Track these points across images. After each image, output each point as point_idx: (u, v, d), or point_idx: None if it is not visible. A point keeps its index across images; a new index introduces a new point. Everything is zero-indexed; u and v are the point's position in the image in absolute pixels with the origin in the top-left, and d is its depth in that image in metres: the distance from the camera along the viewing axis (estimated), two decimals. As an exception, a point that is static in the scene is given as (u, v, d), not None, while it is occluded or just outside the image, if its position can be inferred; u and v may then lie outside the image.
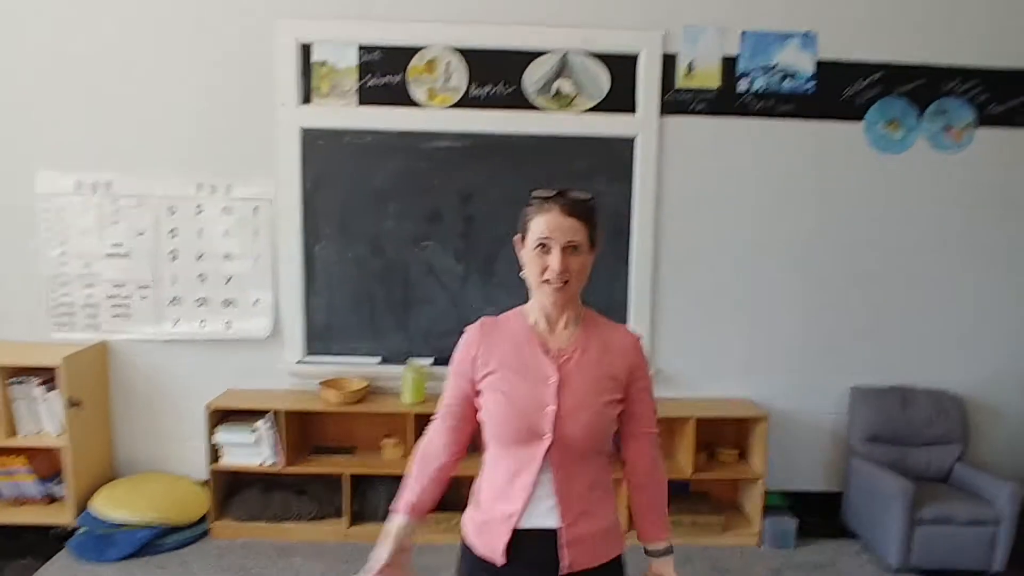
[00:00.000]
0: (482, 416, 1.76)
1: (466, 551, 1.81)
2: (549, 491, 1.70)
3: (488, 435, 1.77)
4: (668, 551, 1.83)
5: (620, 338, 1.79)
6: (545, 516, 1.70)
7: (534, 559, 1.71)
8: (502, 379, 1.72)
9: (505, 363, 1.74)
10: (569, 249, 1.67)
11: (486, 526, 1.75)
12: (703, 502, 3.75)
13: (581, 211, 1.69)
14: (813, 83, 3.68)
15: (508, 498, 1.72)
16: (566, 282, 1.67)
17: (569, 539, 1.69)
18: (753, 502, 3.69)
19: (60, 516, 3.50)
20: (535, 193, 1.72)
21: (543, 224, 1.67)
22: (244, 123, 3.66)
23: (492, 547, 1.72)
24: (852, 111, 3.71)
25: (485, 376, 1.74)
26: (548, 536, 1.70)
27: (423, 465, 1.82)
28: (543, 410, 1.68)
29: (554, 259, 1.66)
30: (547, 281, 1.68)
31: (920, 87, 3.70)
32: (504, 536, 1.70)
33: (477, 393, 1.76)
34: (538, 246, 1.68)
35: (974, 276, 3.84)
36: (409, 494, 1.80)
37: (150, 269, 3.74)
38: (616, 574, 1.80)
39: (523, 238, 1.74)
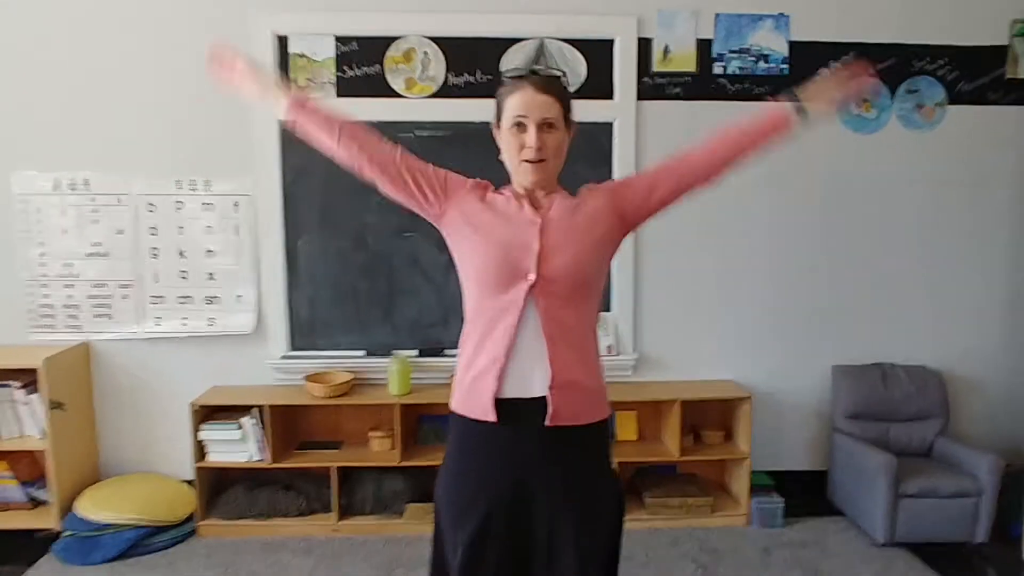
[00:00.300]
0: (459, 261, 1.79)
1: (455, 419, 1.82)
2: (536, 336, 1.69)
3: (468, 283, 1.78)
4: (799, 101, 1.83)
5: (590, 189, 1.84)
6: (530, 376, 1.70)
7: (522, 419, 1.71)
8: (484, 221, 1.75)
9: (490, 209, 1.77)
10: (545, 126, 1.70)
11: (473, 385, 1.75)
12: (691, 484, 3.78)
13: (554, 88, 1.72)
14: (787, 65, 3.72)
15: (492, 343, 1.71)
16: (543, 160, 1.71)
17: (555, 385, 1.69)
18: (740, 483, 3.72)
19: (45, 520, 3.46)
20: (507, 72, 1.76)
21: (517, 102, 1.70)
22: (222, 118, 3.63)
23: (482, 407, 1.73)
24: (826, 92, 3.75)
25: (462, 213, 1.77)
26: (534, 404, 1.71)
27: (348, 122, 1.83)
28: (526, 248, 1.71)
29: (530, 136, 1.69)
30: (526, 160, 1.71)
31: (892, 66, 3.75)
32: (491, 388, 1.70)
33: (434, 197, 1.79)
34: (514, 125, 1.71)
35: (948, 252, 3.90)
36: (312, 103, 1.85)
37: (131, 268, 3.71)
38: (602, 437, 1.83)
39: (498, 122, 1.78)
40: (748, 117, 1.83)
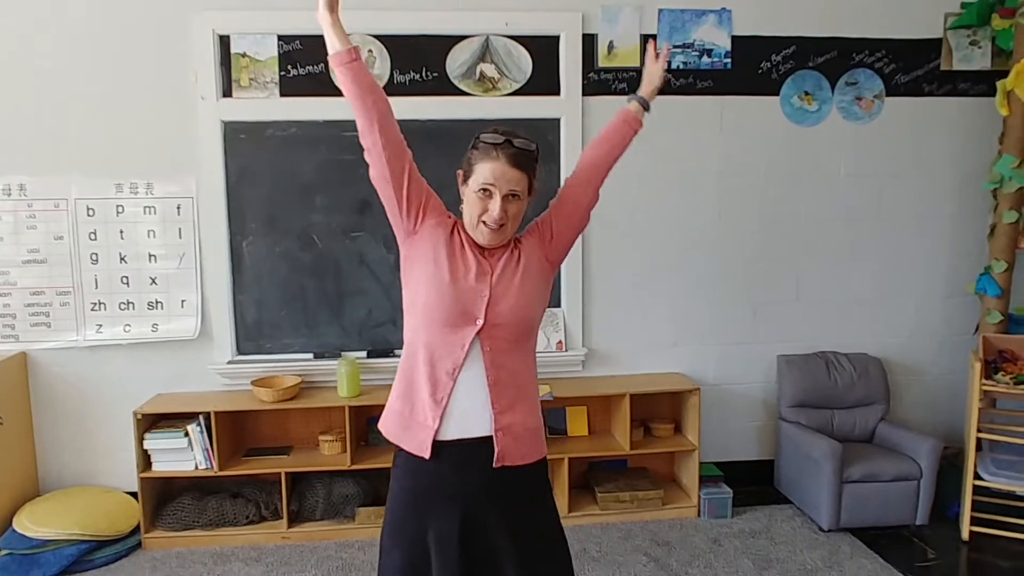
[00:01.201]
0: (412, 287, 1.82)
1: (397, 450, 1.85)
2: (479, 379, 1.76)
3: (415, 313, 1.81)
4: (642, 99, 2.08)
5: (524, 238, 1.92)
6: (470, 421, 1.76)
7: (465, 458, 1.77)
8: (444, 259, 1.79)
9: (450, 249, 1.81)
10: (510, 197, 1.76)
11: (412, 422, 1.80)
12: (642, 477, 3.81)
13: (525, 163, 1.78)
14: (729, 59, 3.76)
15: (434, 385, 1.76)
16: (502, 226, 1.77)
17: (500, 426, 1.76)
18: (690, 474, 3.77)
19: (-18, 536, 3.36)
20: (483, 137, 1.77)
21: (488, 171, 1.74)
22: (163, 119, 3.56)
23: (419, 445, 1.78)
24: (768, 85, 3.81)
25: (429, 238, 1.81)
26: (475, 445, 1.77)
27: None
28: (477, 294, 1.77)
29: (495, 206, 1.74)
30: (484, 223, 1.76)
31: (831, 60, 3.82)
32: (431, 429, 1.75)
33: (415, 214, 1.82)
34: (481, 190, 1.75)
35: (888, 241, 3.99)
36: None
37: (70, 274, 3.61)
38: (542, 475, 1.91)
39: (464, 176, 1.82)
40: (605, 127, 2.02)
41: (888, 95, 3.87)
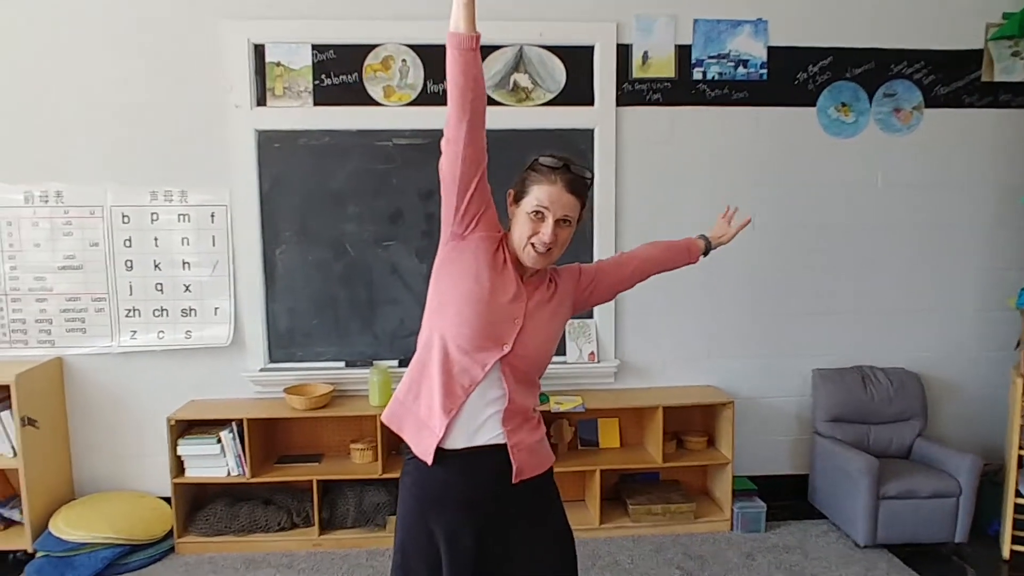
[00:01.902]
0: (444, 294, 1.80)
1: (405, 448, 1.86)
2: (491, 398, 1.77)
3: (442, 323, 1.78)
4: (707, 239, 2.32)
5: (561, 273, 1.95)
6: (479, 432, 1.78)
7: (473, 466, 1.79)
8: (487, 275, 1.78)
9: (495, 266, 1.80)
10: (561, 222, 1.76)
11: (419, 426, 1.81)
12: (674, 490, 3.78)
13: (582, 190, 1.79)
14: (765, 70, 3.72)
15: (445, 395, 1.75)
16: (549, 250, 1.76)
17: (512, 443, 1.79)
18: (723, 488, 3.73)
19: (18, 540, 3.39)
20: (543, 160, 1.78)
21: (544, 194, 1.74)
22: (197, 127, 3.59)
23: (424, 451, 1.78)
24: (804, 96, 3.77)
25: (476, 250, 1.80)
26: (487, 453, 1.78)
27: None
28: (511, 320, 1.77)
29: (547, 230, 1.74)
30: (533, 245, 1.76)
31: (869, 71, 3.78)
32: (433, 440, 1.76)
33: (469, 221, 1.80)
34: (534, 212, 1.75)
35: (925, 253, 3.93)
36: None
37: (105, 281, 3.64)
38: (551, 484, 1.94)
39: (516, 197, 1.82)
40: (667, 243, 2.20)
41: (927, 107, 3.82)
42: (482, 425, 1.78)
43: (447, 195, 1.81)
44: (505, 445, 1.78)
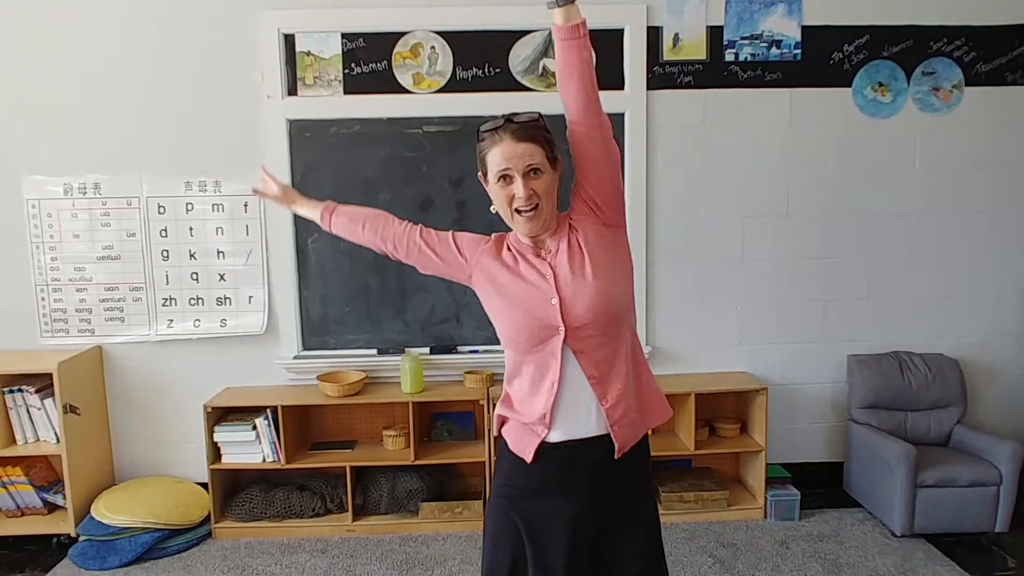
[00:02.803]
0: (491, 318, 1.81)
1: (507, 451, 1.86)
2: (580, 381, 1.73)
3: (502, 339, 1.80)
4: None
5: (572, 219, 1.80)
6: (579, 419, 1.74)
7: (570, 458, 1.76)
8: (505, 284, 1.77)
9: (507, 270, 1.79)
10: (530, 173, 1.68)
11: (523, 428, 1.80)
12: (707, 478, 3.75)
13: (532, 133, 1.69)
14: (799, 50, 3.65)
15: (536, 400, 1.75)
16: (536, 207, 1.70)
17: (613, 421, 1.74)
18: (756, 475, 3.70)
19: (61, 525, 3.48)
20: (483, 127, 1.73)
21: (498, 155, 1.69)
22: (230, 118, 3.62)
23: (524, 445, 1.79)
24: (840, 77, 3.69)
25: (484, 273, 1.80)
26: (587, 445, 1.75)
27: (370, 216, 1.94)
28: (547, 304, 1.72)
29: (518, 187, 1.68)
30: (518, 210, 1.70)
31: (907, 49, 3.68)
32: (539, 436, 1.76)
33: (459, 268, 1.84)
34: (500, 178, 1.70)
35: (964, 237, 3.84)
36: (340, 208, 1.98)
37: (142, 270, 3.71)
38: (644, 454, 1.88)
39: (483, 175, 1.77)
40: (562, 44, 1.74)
41: (968, 85, 3.71)
42: (582, 416, 1.74)
43: (439, 274, 1.92)
44: (608, 435, 1.74)
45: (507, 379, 1.84)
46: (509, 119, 1.70)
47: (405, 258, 1.89)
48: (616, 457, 1.75)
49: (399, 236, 1.88)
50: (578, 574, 1.78)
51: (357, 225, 1.92)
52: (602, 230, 1.78)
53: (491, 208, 1.78)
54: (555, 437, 1.75)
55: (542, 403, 1.74)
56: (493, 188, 1.73)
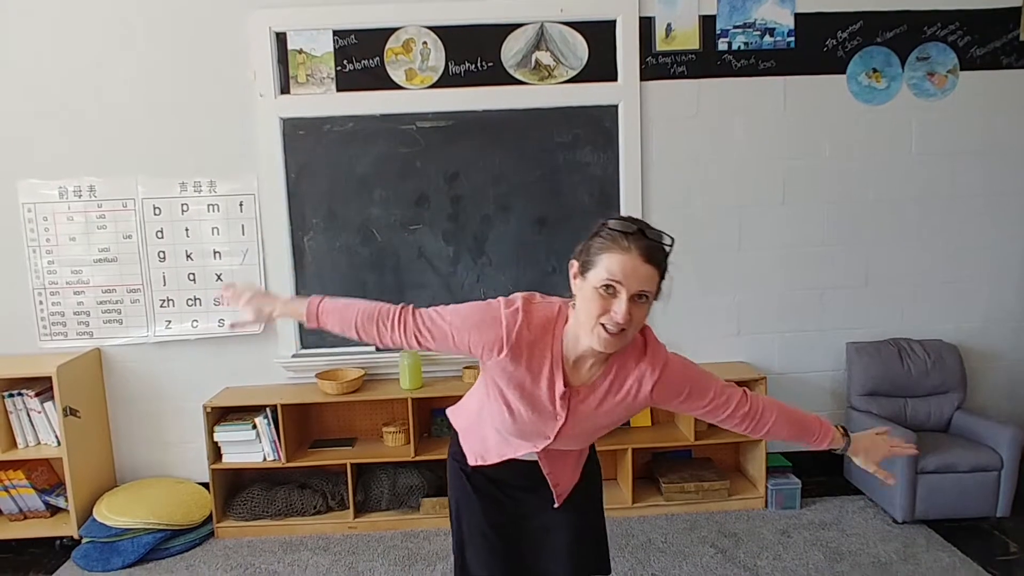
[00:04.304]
0: (482, 392, 1.84)
1: (462, 462, 1.99)
2: (532, 459, 1.87)
3: (483, 407, 1.86)
4: (847, 438, 1.86)
5: (637, 382, 1.68)
6: (524, 464, 1.88)
7: (529, 476, 1.89)
8: (512, 397, 1.71)
9: (520, 387, 1.68)
10: (636, 298, 1.51)
11: (481, 447, 1.94)
12: (707, 468, 3.75)
13: (659, 259, 1.53)
14: (793, 38, 3.63)
15: (490, 448, 1.91)
16: (623, 331, 1.52)
17: (554, 483, 1.91)
18: (756, 465, 3.70)
19: (64, 527, 3.49)
20: (613, 224, 1.53)
21: (617, 265, 1.49)
22: (223, 117, 3.61)
23: (474, 458, 1.95)
24: (834, 63, 3.67)
25: (492, 377, 1.72)
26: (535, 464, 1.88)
27: (360, 316, 1.73)
28: (542, 435, 1.77)
29: (620, 308, 1.49)
30: (603, 325, 1.52)
31: (901, 34, 3.66)
32: (488, 461, 1.92)
33: (472, 353, 1.68)
34: (604, 286, 1.50)
35: (961, 222, 3.83)
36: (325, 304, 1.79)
37: (139, 272, 3.71)
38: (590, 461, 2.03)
39: (582, 268, 1.57)
40: (797, 418, 1.86)
41: (963, 69, 3.69)
42: (526, 464, 1.88)
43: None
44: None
45: (477, 407, 1.91)
46: (643, 231, 1.52)
47: (396, 346, 1.76)
48: (556, 507, 1.92)
49: (396, 340, 1.71)
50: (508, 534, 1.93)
51: (349, 332, 1.74)
52: (644, 402, 1.74)
53: (571, 302, 1.62)
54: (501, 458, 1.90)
55: (494, 453, 1.89)
56: (588, 291, 1.53)
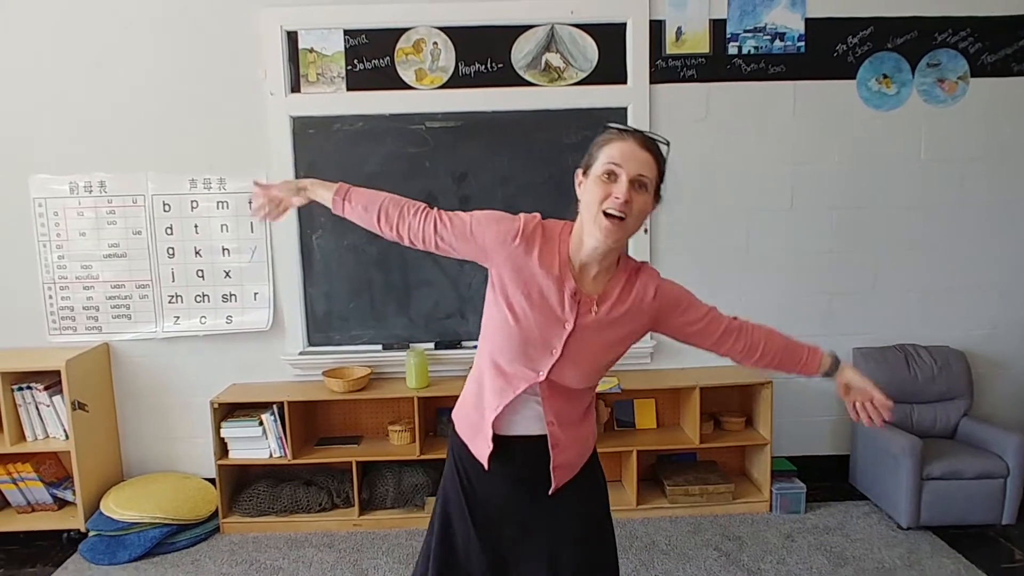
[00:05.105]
0: (487, 312, 1.79)
1: (460, 446, 1.89)
2: (534, 412, 1.77)
3: (484, 345, 1.80)
4: (836, 363, 1.84)
5: (641, 290, 1.73)
6: (529, 424, 1.78)
7: (523, 464, 1.80)
8: (518, 301, 1.70)
9: (528, 286, 1.70)
10: (636, 183, 1.59)
11: (476, 427, 1.83)
12: (711, 471, 3.76)
13: (656, 149, 1.64)
14: (803, 43, 3.63)
15: (488, 406, 1.78)
16: (624, 217, 1.59)
17: (557, 463, 1.79)
18: (761, 469, 3.70)
19: (71, 520, 3.51)
20: (611, 123, 1.67)
21: (616, 150, 1.59)
22: (234, 115, 3.63)
23: (480, 452, 1.81)
24: (844, 69, 3.67)
25: (500, 279, 1.73)
26: (535, 442, 1.78)
27: (386, 203, 1.78)
28: (548, 350, 1.69)
29: (621, 188, 1.57)
30: (606, 212, 1.58)
31: (911, 40, 3.66)
32: (487, 443, 1.78)
33: (485, 260, 1.74)
34: (605, 173, 1.60)
35: (970, 229, 3.82)
36: (355, 191, 1.83)
37: (148, 268, 3.73)
38: (592, 465, 1.92)
39: (585, 168, 1.67)
40: (790, 342, 1.86)
41: (973, 76, 3.69)
42: (529, 424, 1.78)
43: (457, 256, 1.83)
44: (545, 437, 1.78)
45: (470, 381, 1.89)
46: (640, 131, 1.65)
47: (424, 249, 1.79)
48: (550, 494, 1.80)
49: (414, 230, 1.75)
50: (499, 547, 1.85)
51: (371, 215, 1.78)
52: (645, 329, 1.78)
53: (576, 206, 1.70)
54: (503, 431, 1.80)
55: (495, 408, 1.76)
56: (591, 184, 1.62)
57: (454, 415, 1.94)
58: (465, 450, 1.86)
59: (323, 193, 1.86)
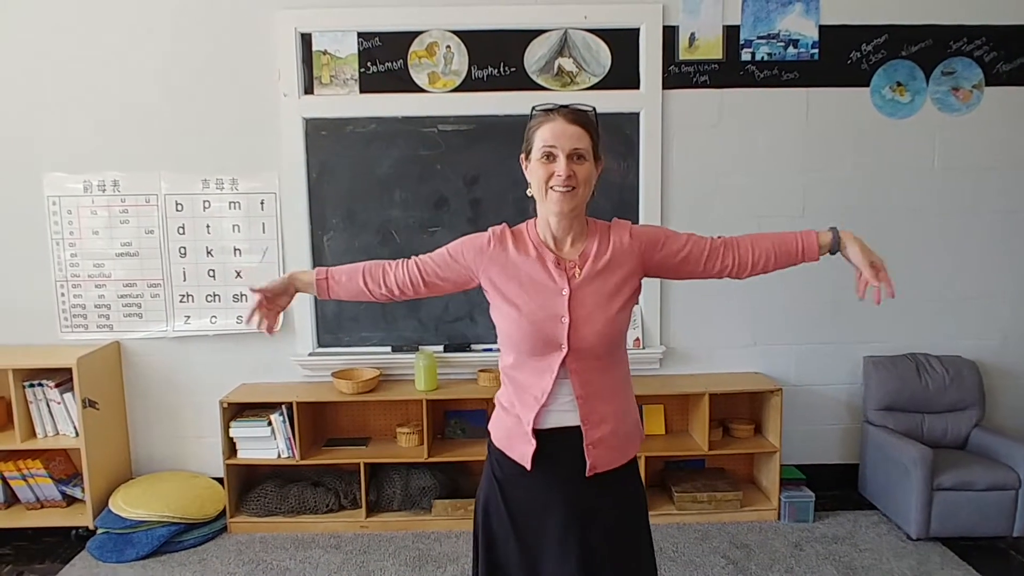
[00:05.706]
0: (495, 322, 1.82)
1: (499, 455, 1.88)
2: (569, 395, 1.77)
3: (505, 347, 1.83)
4: (837, 237, 1.89)
5: (617, 239, 1.80)
6: (565, 415, 1.77)
7: (561, 459, 1.78)
8: (514, 293, 1.77)
9: (516, 276, 1.79)
10: (574, 157, 1.70)
11: (513, 432, 1.83)
12: (720, 478, 3.74)
13: (584, 120, 1.73)
14: (817, 49, 3.63)
15: (527, 404, 1.78)
16: (572, 188, 1.70)
17: (591, 441, 1.77)
18: (770, 476, 3.68)
19: (79, 517, 3.52)
20: (536, 106, 1.77)
21: (547, 133, 1.71)
22: (247, 116, 3.65)
23: (521, 453, 1.80)
24: (858, 76, 3.66)
25: (492, 283, 1.80)
26: (571, 433, 1.77)
27: (367, 267, 1.92)
28: (557, 320, 1.74)
29: (560, 165, 1.69)
30: (552, 188, 1.71)
31: (926, 48, 3.64)
32: (529, 442, 1.78)
33: (475, 282, 1.84)
34: (543, 156, 1.71)
35: (982, 238, 3.80)
36: (333, 269, 1.94)
37: (160, 267, 3.75)
38: (632, 475, 1.89)
39: (526, 153, 1.79)
40: (777, 235, 1.89)
41: (988, 85, 3.67)
42: (568, 415, 1.77)
43: (453, 291, 1.94)
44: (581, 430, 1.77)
45: (503, 387, 1.89)
46: (564, 105, 1.74)
47: (416, 296, 1.91)
48: (587, 475, 1.77)
49: (401, 279, 1.88)
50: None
51: (356, 281, 1.90)
52: (637, 277, 1.82)
53: (527, 191, 1.79)
54: (543, 425, 1.79)
55: (532, 407, 1.76)
56: (534, 167, 1.74)
57: (490, 428, 1.94)
58: (504, 458, 1.85)
59: (305, 279, 1.94)
